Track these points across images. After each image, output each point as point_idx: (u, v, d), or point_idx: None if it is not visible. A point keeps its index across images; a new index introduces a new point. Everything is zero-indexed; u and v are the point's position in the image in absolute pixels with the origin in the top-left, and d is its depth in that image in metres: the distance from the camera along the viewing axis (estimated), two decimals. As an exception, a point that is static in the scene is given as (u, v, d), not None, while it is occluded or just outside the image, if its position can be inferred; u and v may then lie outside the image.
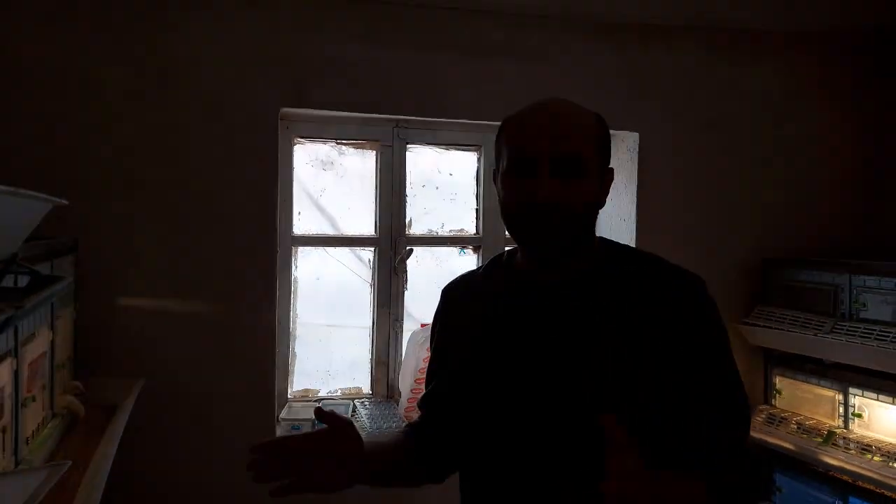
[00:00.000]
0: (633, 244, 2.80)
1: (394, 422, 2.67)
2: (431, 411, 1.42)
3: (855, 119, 3.11)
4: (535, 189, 1.16)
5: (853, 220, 3.13)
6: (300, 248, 2.81)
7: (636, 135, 2.86)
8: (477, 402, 1.27)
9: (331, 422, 1.14)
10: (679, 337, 1.17)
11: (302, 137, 2.77)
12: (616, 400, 1.15)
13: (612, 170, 1.28)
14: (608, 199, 1.27)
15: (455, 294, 1.40)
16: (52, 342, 1.77)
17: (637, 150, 2.85)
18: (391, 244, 2.87)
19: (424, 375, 2.79)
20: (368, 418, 2.68)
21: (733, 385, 1.22)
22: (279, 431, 2.52)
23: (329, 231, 2.87)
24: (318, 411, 1.14)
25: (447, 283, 1.44)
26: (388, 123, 2.83)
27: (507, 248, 1.41)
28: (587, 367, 1.17)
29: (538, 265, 1.27)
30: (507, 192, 1.22)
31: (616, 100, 2.77)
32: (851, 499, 2.49)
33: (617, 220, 2.97)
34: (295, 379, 2.82)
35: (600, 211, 1.27)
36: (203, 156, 2.42)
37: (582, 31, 2.77)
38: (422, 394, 1.45)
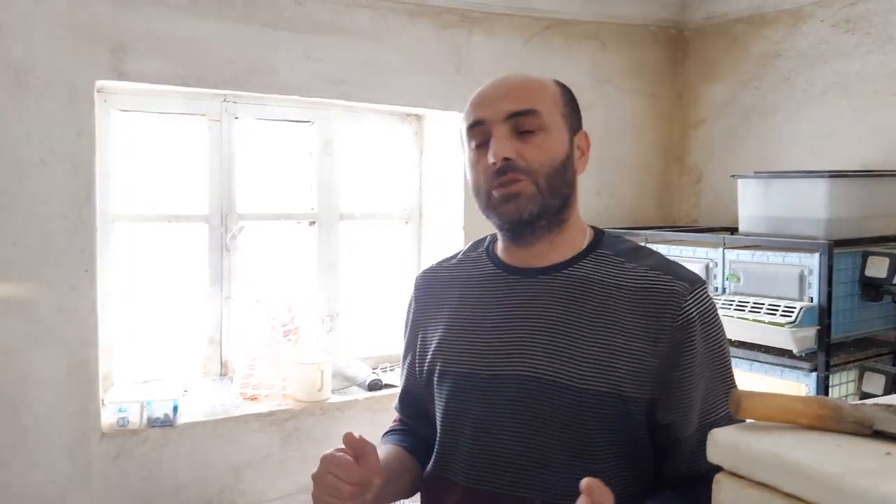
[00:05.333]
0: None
1: (228, 399, 2.65)
2: (407, 413, 1.34)
3: (656, 104, 3.45)
4: (491, 152, 1.09)
5: (653, 195, 3.48)
6: (125, 226, 2.70)
7: (461, 115, 2.97)
8: (444, 396, 1.18)
9: (359, 447, 1.03)
10: (662, 353, 1.06)
11: (124, 111, 2.65)
12: (589, 403, 1.06)
13: (585, 134, 1.19)
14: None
15: (426, 282, 1.31)
16: None
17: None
18: (221, 221, 2.83)
19: (256, 358, 2.77)
20: (201, 397, 2.65)
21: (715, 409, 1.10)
22: (104, 414, 2.43)
23: (155, 208, 2.78)
24: (349, 437, 1.03)
25: (421, 270, 1.35)
26: (217, 97, 2.78)
27: (490, 234, 1.31)
28: (553, 365, 1.08)
29: (511, 241, 1.17)
30: (470, 170, 1.15)
31: (441, 81, 2.86)
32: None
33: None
34: (122, 360, 2.72)
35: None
36: (11, 129, 2.26)
37: (408, 13, 2.85)
38: (397, 393, 1.37)
